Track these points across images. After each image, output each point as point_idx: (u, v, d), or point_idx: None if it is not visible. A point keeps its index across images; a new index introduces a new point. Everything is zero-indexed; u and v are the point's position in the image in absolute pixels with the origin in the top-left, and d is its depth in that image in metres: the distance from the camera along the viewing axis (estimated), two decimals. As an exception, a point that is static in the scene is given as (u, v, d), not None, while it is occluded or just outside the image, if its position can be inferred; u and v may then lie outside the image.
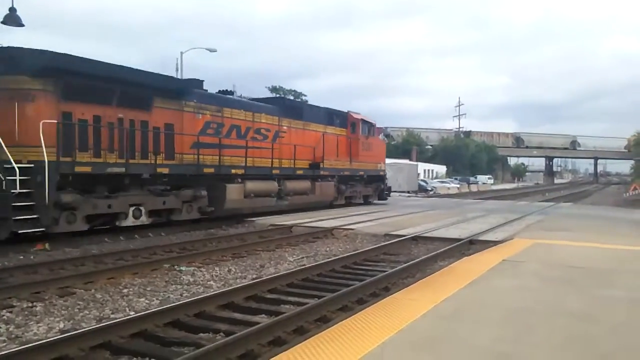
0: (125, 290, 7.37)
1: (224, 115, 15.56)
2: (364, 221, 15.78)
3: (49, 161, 10.47)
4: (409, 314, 5.22)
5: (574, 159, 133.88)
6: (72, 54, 11.31)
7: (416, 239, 12.61)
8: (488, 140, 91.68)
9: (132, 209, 12.71)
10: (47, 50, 10.87)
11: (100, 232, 12.12)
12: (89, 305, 6.58)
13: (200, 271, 8.83)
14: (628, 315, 5.51)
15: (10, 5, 11.02)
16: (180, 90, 14.17)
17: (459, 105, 73.05)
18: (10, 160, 9.97)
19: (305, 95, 71.94)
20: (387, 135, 69.85)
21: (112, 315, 6.18)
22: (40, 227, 10.55)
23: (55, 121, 10.88)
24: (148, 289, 7.52)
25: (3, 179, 9.95)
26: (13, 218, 10.04)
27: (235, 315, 6.25)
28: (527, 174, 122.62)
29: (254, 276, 8.49)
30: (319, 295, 6.88)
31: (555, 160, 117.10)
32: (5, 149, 10.01)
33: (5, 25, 11.01)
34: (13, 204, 9.98)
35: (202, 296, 6.59)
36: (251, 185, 16.25)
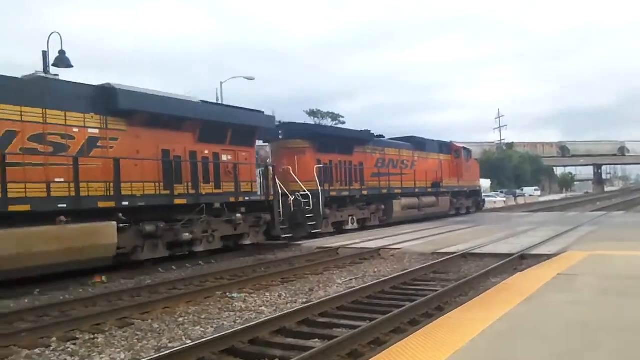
0: (180, 319, 7.54)
1: (385, 153, 22.68)
2: (410, 240, 15.65)
3: (320, 190, 17.74)
4: (465, 334, 5.14)
5: (623, 166, 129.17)
6: (322, 125, 20.39)
7: (465, 256, 12.42)
8: (532, 151, 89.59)
9: (349, 218, 19.86)
10: (309, 123, 19.91)
11: (157, 262, 12.45)
12: (147, 335, 6.76)
13: (252, 297, 8.94)
14: (697, 327, 5.27)
15: (60, 49, 11.71)
16: (366, 139, 21.26)
17: (499, 117, 71.68)
18: (302, 190, 17.28)
19: (342, 117, 72.31)
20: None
21: (169, 345, 6.33)
22: (316, 228, 17.65)
23: (318, 165, 18.13)
24: (202, 316, 7.67)
25: (301, 200, 17.01)
26: (308, 223, 17.29)
27: (288, 340, 6.30)
28: (575, 183, 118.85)
29: (304, 300, 8.53)
30: (371, 318, 6.86)
31: (604, 167, 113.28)
32: (299, 182, 17.32)
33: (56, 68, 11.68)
34: (306, 216, 17.12)
35: (255, 322, 6.67)
36: (405, 201, 22.99)
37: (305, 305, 7.70)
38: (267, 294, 9.19)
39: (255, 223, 15.24)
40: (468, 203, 30.38)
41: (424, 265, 11.09)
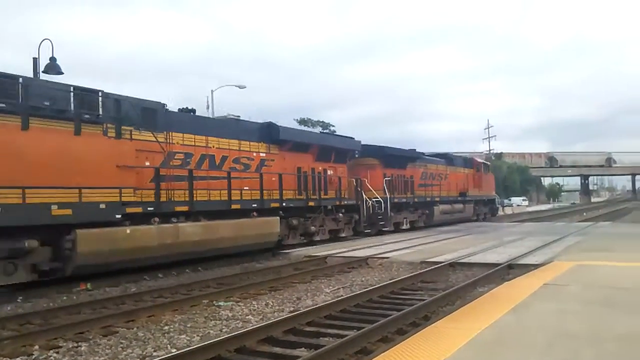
0: (166, 328, 7.46)
1: (427, 168, 27.05)
2: (399, 249, 15.66)
3: (388, 197, 21.94)
4: (452, 343, 5.14)
5: (610, 176, 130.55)
6: (389, 146, 23.69)
7: (453, 265, 12.44)
8: (520, 161, 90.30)
9: (404, 219, 24.34)
10: (378, 145, 22.98)
11: (141, 271, 12.35)
12: (132, 344, 6.68)
13: (239, 306, 8.88)
14: (681, 338, 5.31)
15: (51, 55, 11.62)
16: (415, 157, 26.07)
17: (489, 128, 72.14)
18: (375, 197, 21.41)
19: (333, 126, 72.24)
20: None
21: (154, 353, 6.26)
22: (385, 227, 22.13)
23: (386, 178, 22.35)
24: (188, 325, 7.60)
25: (374, 205, 21.32)
26: (379, 223, 21.65)
27: (275, 349, 6.26)
28: (562, 193, 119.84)
29: (292, 309, 8.49)
30: (358, 327, 6.84)
31: (591, 178, 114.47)
32: (373, 191, 21.41)
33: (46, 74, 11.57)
34: (378, 217, 21.49)
35: (241, 331, 6.61)
36: (442, 207, 27.37)
37: (293, 314, 7.66)
38: (254, 302, 9.13)
39: (349, 221, 20.19)
40: (485, 210, 35.07)
41: (411, 275, 11.09)
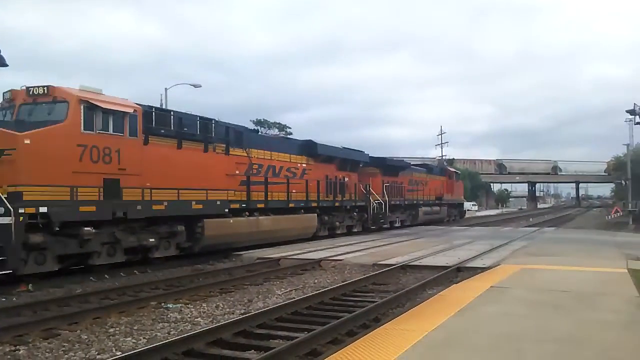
0: (111, 330, 7.23)
1: (413, 176, 31.77)
2: (352, 251, 15.75)
3: (387, 200, 26.22)
4: (400, 345, 5.20)
5: (556, 184, 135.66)
6: (387, 157, 29.59)
7: (404, 267, 12.62)
8: (471, 168, 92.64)
9: (397, 218, 29.22)
10: (380, 157, 27.78)
11: (86, 272, 11.95)
12: (74, 347, 6.44)
13: (188, 308, 8.71)
14: (616, 338, 5.55)
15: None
16: (405, 166, 31.10)
17: (442, 134, 73.66)
18: (377, 200, 25.60)
19: (290, 128, 72.04)
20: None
21: (98, 357, 6.06)
22: (384, 224, 26.75)
23: (385, 184, 26.66)
24: (135, 327, 7.39)
25: (376, 206, 25.66)
26: (380, 221, 26.08)
27: (224, 352, 6.16)
28: (510, 199, 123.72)
29: (242, 311, 8.40)
30: (309, 329, 6.82)
31: (537, 185, 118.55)
32: (375, 195, 25.43)
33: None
34: (379, 216, 25.87)
35: (190, 334, 6.49)
36: (424, 209, 32.63)
37: (243, 316, 7.59)
38: (204, 304, 8.98)
39: (359, 218, 24.78)
40: (456, 212, 40.89)
41: (363, 277, 11.18)
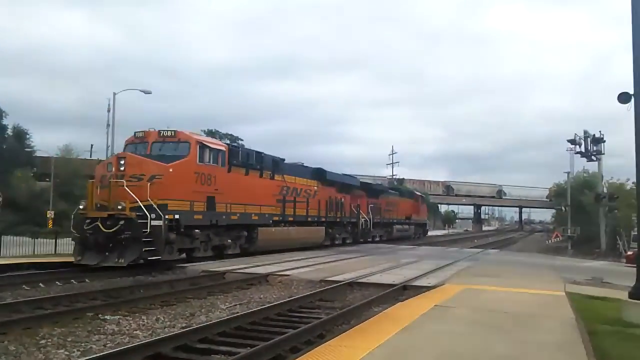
0: (43, 342, 6.86)
1: (389, 198, 37.75)
2: (300, 267, 15.65)
3: (371, 218, 32.48)
4: (342, 362, 5.15)
5: (500, 207, 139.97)
6: (372, 183, 40.18)
7: (352, 284, 12.62)
8: (420, 188, 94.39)
9: (377, 233, 34.72)
10: (365, 182, 35.49)
11: (20, 280, 11.34)
12: (0, 359, 6.06)
13: (126, 320, 8.39)
14: (551, 359, 5.69)
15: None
16: (385, 190, 38.86)
17: (392, 154, 74.94)
18: (364, 217, 31.44)
19: (242, 140, 71.35)
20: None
21: (25, 370, 5.72)
22: (369, 237, 33.38)
23: (370, 205, 32.78)
24: (69, 339, 7.04)
25: (364, 222, 31.50)
26: (366, 235, 32.71)
27: (162, 366, 5.94)
28: (457, 221, 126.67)
29: (184, 325, 8.16)
30: (252, 345, 6.68)
31: (483, 208, 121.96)
32: (362, 214, 31.24)
33: None
34: (365, 231, 32.12)
35: (127, 347, 6.24)
36: (398, 227, 39.32)
37: (184, 330, 7.36)
38: (144, 317, 8.67)
39: (352, 232, 30.33)
40: (420, 230, 48.05)
41: (310, 293, 11.10)
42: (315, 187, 25.21)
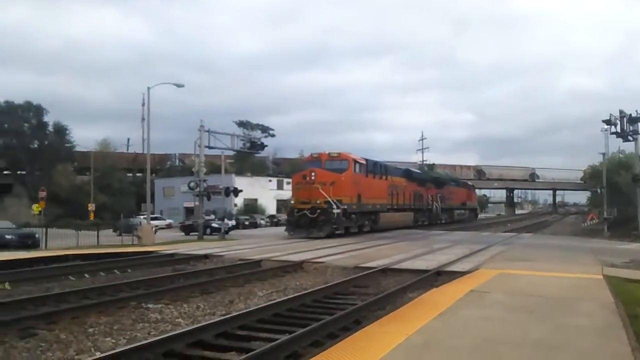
0: (90, 330, 7.17)
1: (450, 188, 47.59)
2: (334, 254, 15.80)
3: (439, 205, 43.84)
4: (381, 347, 5.25)
5: (533, 190, 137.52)
6: (438, 175, 52.72)
7: (385, 271, 12.69)
8: (451, 173, 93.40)
9: (444, 218, 44.23)
10: (434, 175, 49.07)
11: (66, 272, 11.79)
12: (52, 347, 6.36)
13: (168, 308, 8.66)
14: (591, 344, 5.68)
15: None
16: (448, 180, 50.74)
17: (422, 139, 74.23)
18: (435, 205, 42.26)
19: (273, 130, 72.03)
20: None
21: (76, 357, 6.00)
22: (436, 222, 43.04)
23: (438, 195, 43.26)
24: (114, 327, 7.33)
25: (433, 209, 42.60)
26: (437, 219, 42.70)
27: (205, 353, 6.14)
28: (489, 205, 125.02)
29: (223, 312, 8.38)
30: (290, 331, 6.83)
31: (515, 191, 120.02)
32: (433, 202, 42.61)
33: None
34: (437, 216, 43.08)
35: (170, 334, 6.46)
36: (458, 212, 49.36)
37: (224, 317, 7.57)
38: (185, 305, 8.94)
39: (428, 217, 39.40)
40: (472, 214, 57.00)
41: (345, 279, 11.21)
42: (405, 183, 34.51)
